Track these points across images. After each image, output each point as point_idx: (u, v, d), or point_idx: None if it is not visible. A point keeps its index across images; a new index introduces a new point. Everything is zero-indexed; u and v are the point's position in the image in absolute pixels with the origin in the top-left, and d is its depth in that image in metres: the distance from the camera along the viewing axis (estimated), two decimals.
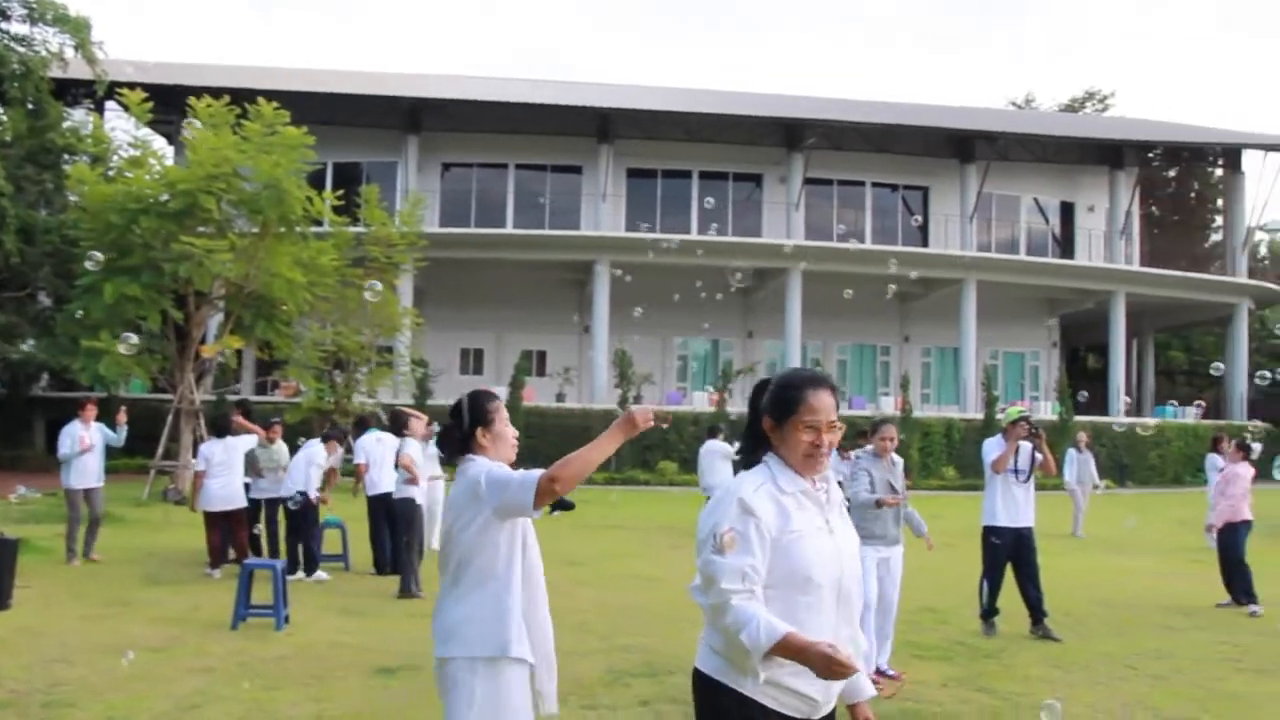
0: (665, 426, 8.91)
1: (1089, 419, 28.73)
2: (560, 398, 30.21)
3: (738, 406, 29.62)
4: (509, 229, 32.99)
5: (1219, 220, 42.70)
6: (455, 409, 3.67)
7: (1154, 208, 44.89)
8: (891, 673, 6.83)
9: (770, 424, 2.76)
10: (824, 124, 33.30)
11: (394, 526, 10.89)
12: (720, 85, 58.74)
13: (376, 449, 11.47)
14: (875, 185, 36.46)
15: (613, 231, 32.30)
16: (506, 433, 3.64)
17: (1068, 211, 37.97)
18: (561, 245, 30.97)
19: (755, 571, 2.54)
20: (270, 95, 20.73)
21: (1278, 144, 35.57)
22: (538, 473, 3.32)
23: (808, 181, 34.06)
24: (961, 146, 35.15)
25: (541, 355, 33.60)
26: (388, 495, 10.97)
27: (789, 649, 2.45)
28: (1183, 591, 10.98)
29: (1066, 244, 37.68)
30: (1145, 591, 11.02)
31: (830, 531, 2.70)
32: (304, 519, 10.79)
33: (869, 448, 7.22)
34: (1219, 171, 40.15)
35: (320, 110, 28.30)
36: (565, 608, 9.25)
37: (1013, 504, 8.36)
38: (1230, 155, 37.86)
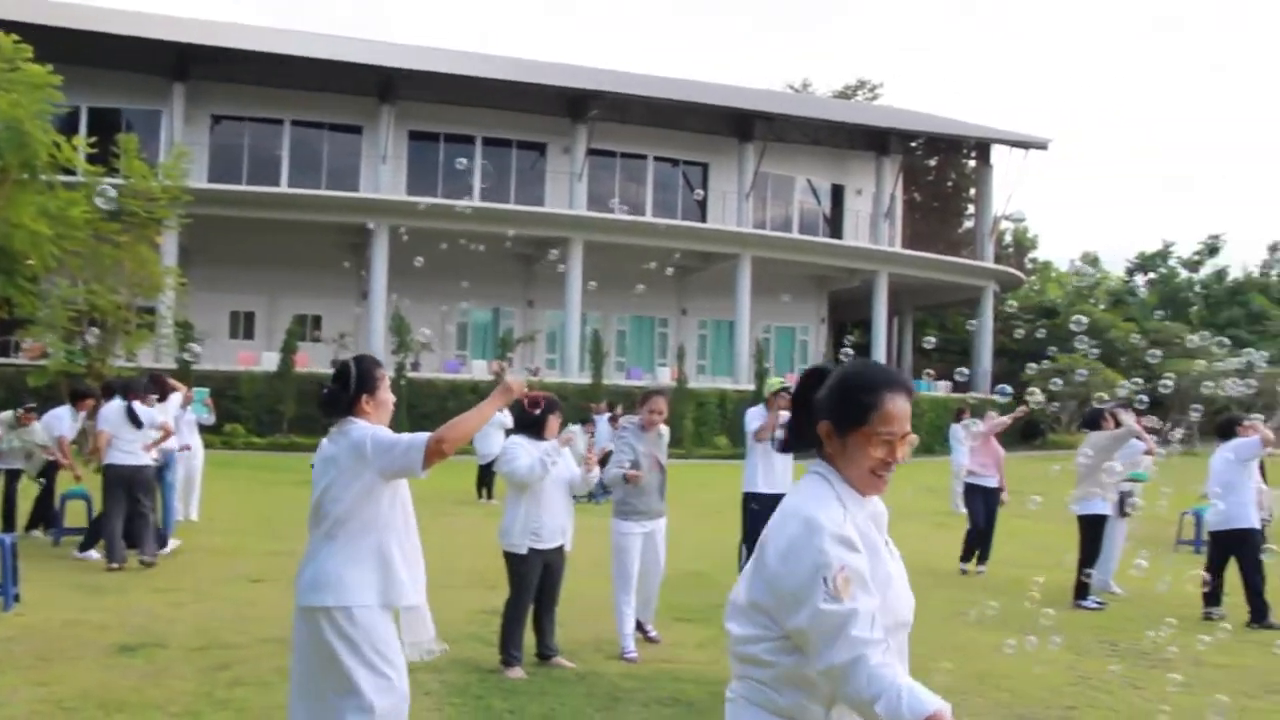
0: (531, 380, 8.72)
1: None
2: (335, 364, 29.34)
3: (517, 374, 29.61)
4: (283, 188, 31.59)
5: (972, 209, 45.72)
6: (341, 373, 3.84)
7: (916, 194, 47.63)
8: (653, 634, 7.02)
9: (828, 429, 2.26)
10: (609, 96, 33.52)
11: (131, 496, 10.20)
12: (508, 51, 58.22)
13: (118, 416, 10.72)
14: (657, 159, 37.08)
15: (393, 195, 31.51)
16: (388, 400, 3.85)
17: (838, 193, 39.80)
18: (339, 207, 29.99)
19: (879, 615, 2.08)
20: (10, 27, 19.02)
21: (1023, 141, 38.45)
22: (425, 435, 3.53)
23: (591, 152, 34.25)
24: (741, 126, 36.18)
25: (316, 320, 32.53)
26: (130, 464, 10.27)
27: None
28: (929, 553, 11.76)
29: (836, 225, 39.51)
30: None
31: (895, 558, 2.32)
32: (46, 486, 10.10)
33: (635, 419, 7.21)
34: (972, 163, 42.99)
35: (74, 49, 26.16)
36: None
37: (772, 472, 8.71)
38: (982, 149, 40.59)
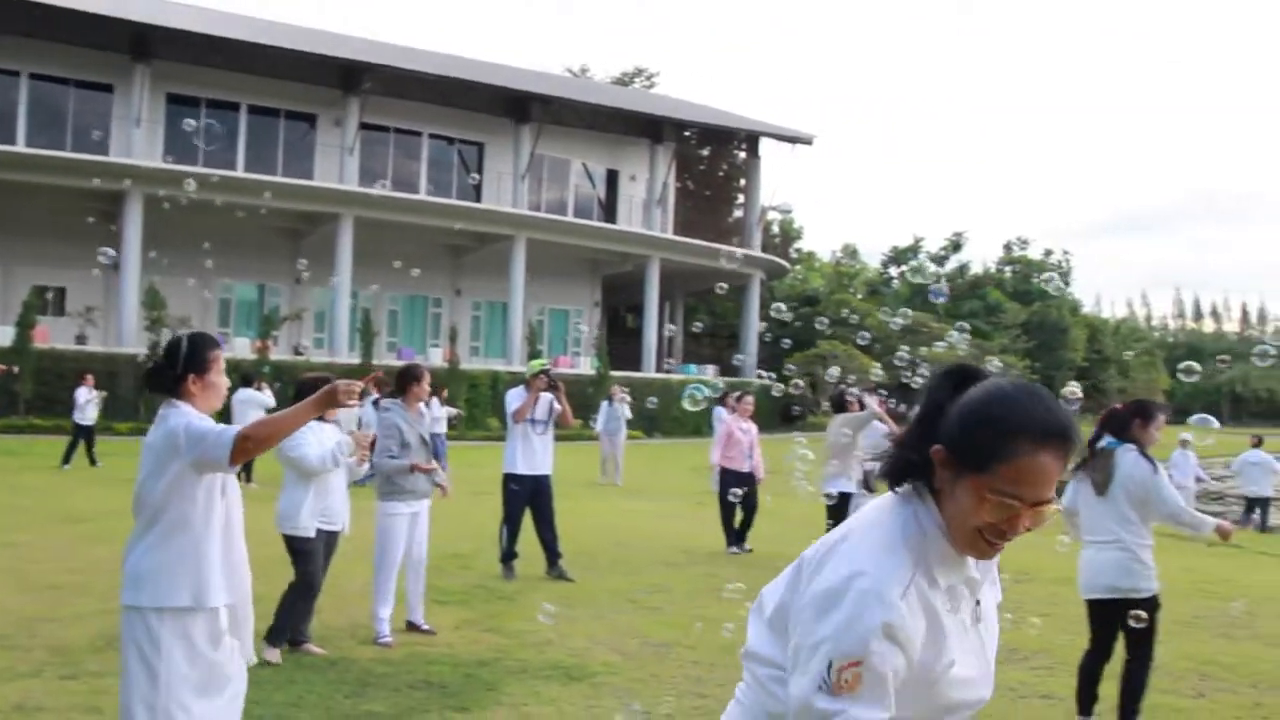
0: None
1: (625, 374, 30.86)
2: (81, 339, 27.35)
3: (282, 353, 28.51)
4: (20, 147, 29.06)
5: (742, 199, 47.29)
6: (171, 348, 3.53)
7: (689, 182, 48.83)
8: (426, 628, 6.87)
9: (944, 456, 1.72)
10: (383, 70, 32.64)
11: None
12: (279, 16, 55.67)
13: None
14: (433, 137, 36.45)
15: (147, 161, 29.55)
16: (220, 383, 3.61)
17: (613, 179, 40.31)
18: (86, 170, 27.74)
19: None
20: None
21: (790, 136, 40.10)
22: (235, 430, 3.33)
23: (364, 127, 33.27)
24: (518, 107, 36.03)
25: (60, 292, 30.14)
26: None
27: None
28: (687, 532, 12.14)
29: (610, 209, 40.00)
30: (656, 532, 12.07)
31: (978, 620, 1.82)
32: None
33: (401, 399, 6.99)
34: (742, 155, 44.46)
35: None
36: (63, 568, 8.46)
37: (531, 453, 8.78)
38: (752, 142, 42.06)
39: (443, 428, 19.35)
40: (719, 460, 11.35)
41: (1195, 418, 3.94)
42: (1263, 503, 17.09)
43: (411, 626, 6.81)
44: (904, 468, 1.78)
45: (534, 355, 29.89)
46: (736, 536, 11.06)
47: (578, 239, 35.06)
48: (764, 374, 10.47)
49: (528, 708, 5.30)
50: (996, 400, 1.70)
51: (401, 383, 6.89)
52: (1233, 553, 12.55)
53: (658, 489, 17.33)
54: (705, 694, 5.64)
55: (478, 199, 35.73)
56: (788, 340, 36.88)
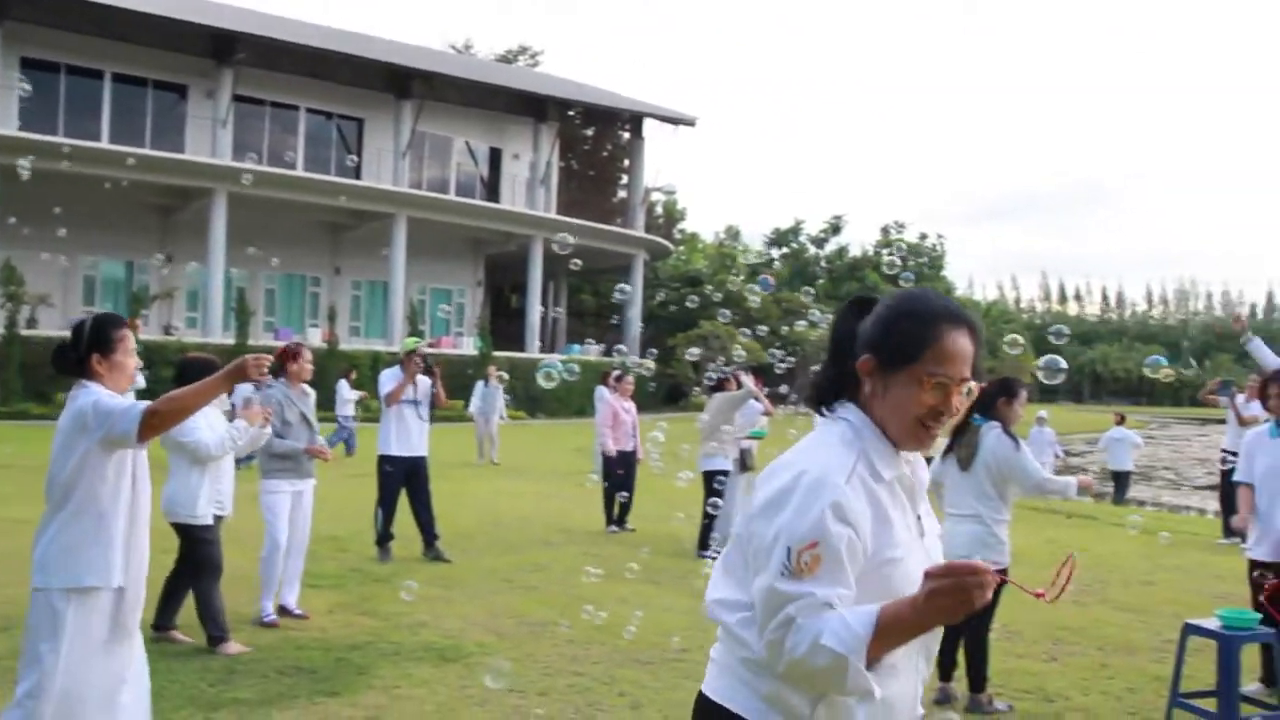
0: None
1: (509, 354, 30.70)
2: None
3: (152, 333, 27.51)
4: None
5: (626, 179, 47.35)
6: (75, 329, 3.55)
7: (573, 161, 48.67)
8: (299, 612, 6.76)
9: (871, 365, 1.86)
10: (257, 40, 31.61)
11: None
12: None
13: None
14: (310, 111, 35.51)
15: (3, 129, 28.07)
16: (128, 364, 3.61)
17: (496, 157, 39.90)
18: None
19: (842, 604, 1.73)
20: None
21: (673, 117, 40.30)
22: (143, 405, 3.34)
23: (238, 99, 32.21)
24: (398, 82, 35.33)
25: None
26: None
27: (894, 626, 1.70)
28: (566, 511, 12.18)
29: (493, 188, 39.61)
30: (536, 512, 12.08)
31: (922, 534, 1.95)
32: None
33: (282, 378, 6.87)
34: (626, 135, 44.49)
35: None
36: None
37: (406, 434, 8.70)
38: (636, 122, 42.11)
39: (351, 410, 19.03)
40: (608, 439, 11.38)
41: (1044, 359, 4.14)
42: (1123, 476, 17.96)
43: (284, 611, 6.70)
44: (826, 392, 1.95)
45: (414, 334, 29.50)
46: (618, 517, 11.16)
47: (460, 218, 34.65)
48: (618, 351, 10.52)
49: (399, 690, 5.27)
50: (908, 299, 1.90)
51: (281, 361, 6.80)
52: (1089, 524, 13.19)
53: (539, 469, 17.32)
54: (580, 672, 5.69)
55: (357, 176, 34.98)
56: (669, 321, 37.18)
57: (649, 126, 41.76)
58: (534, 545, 9.81)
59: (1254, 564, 5.51)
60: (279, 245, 31.76)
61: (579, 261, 14.83)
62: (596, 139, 50.22)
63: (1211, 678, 5.16)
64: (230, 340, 27.13)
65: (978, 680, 5.37)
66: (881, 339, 1.86)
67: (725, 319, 13.69)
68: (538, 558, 9.11)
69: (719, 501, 9.46)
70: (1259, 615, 5.08)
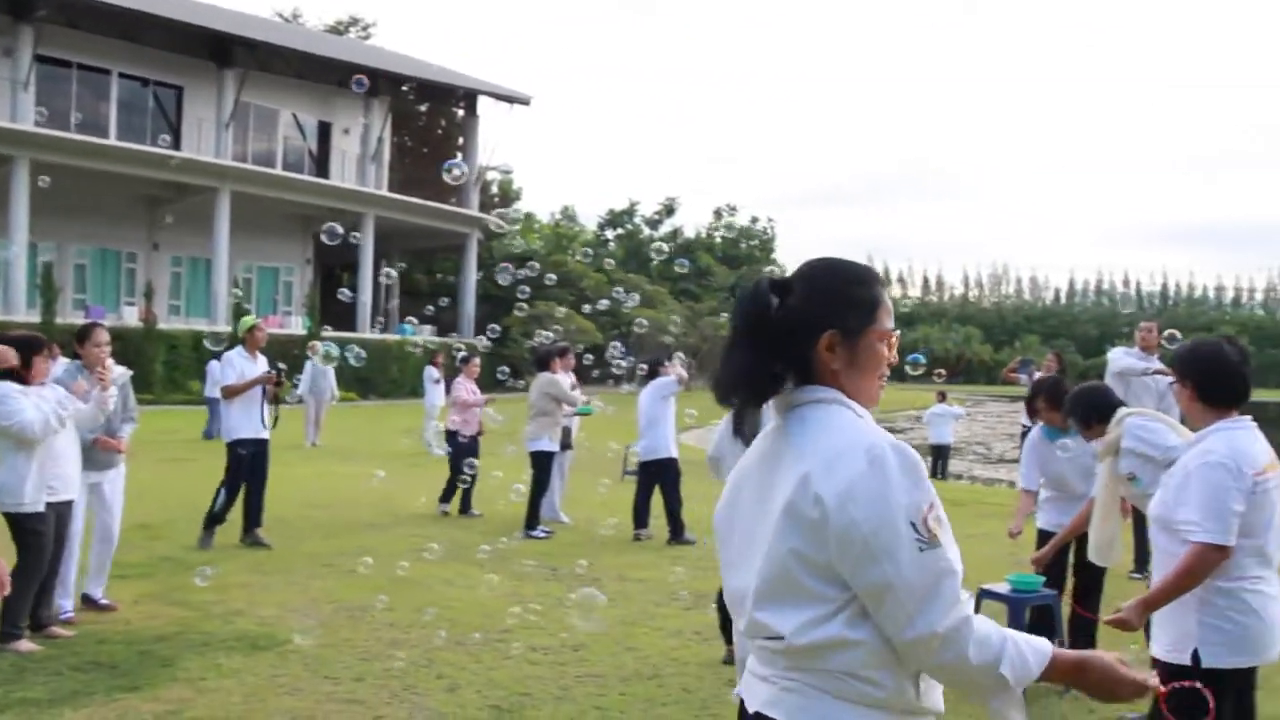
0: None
1: (340, 334, 29.89)
2: None
3: None
4: None
5: (461, 157, 46.71)
6: None
7: (406, 138, 47.68)
8: (105, 602, 6.42)
9: (835, 339, 1.86)
10: None
11: None
12: None
13: None
14: (124, 76, 33.54)
15: None
16: None
17: (325, 131, 38.69)
18: None
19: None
20: None
21: (508, 95, 39.93)
22: None
23: (41, 60, 30.16)
24: (220, 49, 33.77)
25: None
26: None
27: (1052, 673, 1.77)
28: (394, 493, 11.98)
29: (322, 163, 38.43)
30: (362, 494, 11.83)
31: None
32: None
33: (77, 361, 6.43)
34: (460, 113, 43.84)
35: None
36: None
37: (254, 417, 8.70)
38: (470, 100, 41.53)
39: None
40: (459, 423, 11.05)
41: (910, 355, 4.38)
42: (944, 449, 18.89)
43: (89, 602, 6.38)
44: (763, 381, 1.88)
45: (239, 315, 28.39)
46: (463, 504, 10.95)
47: (287, 193, 33.46)
48: (491, 332, 10.36)
49: (205, 681, 5.09)
50: (842, 267, 1.94)
51: (78, 342, 6.36)
52: None
53: (368, 451, 16.99)
54: (398, 655, 5.62)
55: (177, 147, 33.34)
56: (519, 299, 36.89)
57: (484, 104, 41.28)
58: (358, 529, 9.64)
59: (1042, 533, 5.86)
60: (90, 218, 30.06)
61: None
62: (430, 116, 49.33)
63: None
64: (35, 318, 25.52)
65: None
66: (837, 310, 1.88)
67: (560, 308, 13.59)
68: (362, 541, 8.94)
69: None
70: (1043, 578, 5.43)
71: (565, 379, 10.19)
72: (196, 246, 32.92)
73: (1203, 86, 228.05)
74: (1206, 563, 3.18)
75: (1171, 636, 3.32)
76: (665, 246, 53.72)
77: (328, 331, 29.96)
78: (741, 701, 1.95)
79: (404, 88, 41.09)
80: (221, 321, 30.57)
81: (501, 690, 5.13)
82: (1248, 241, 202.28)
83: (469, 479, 10.11)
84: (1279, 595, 3.29)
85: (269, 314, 33.19)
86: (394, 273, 35.27)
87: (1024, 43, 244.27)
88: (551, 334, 11.45)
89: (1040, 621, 5.62)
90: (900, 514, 1.70)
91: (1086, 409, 4.80)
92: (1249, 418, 3.41)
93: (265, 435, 8.70)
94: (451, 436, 10.97)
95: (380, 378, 32.36)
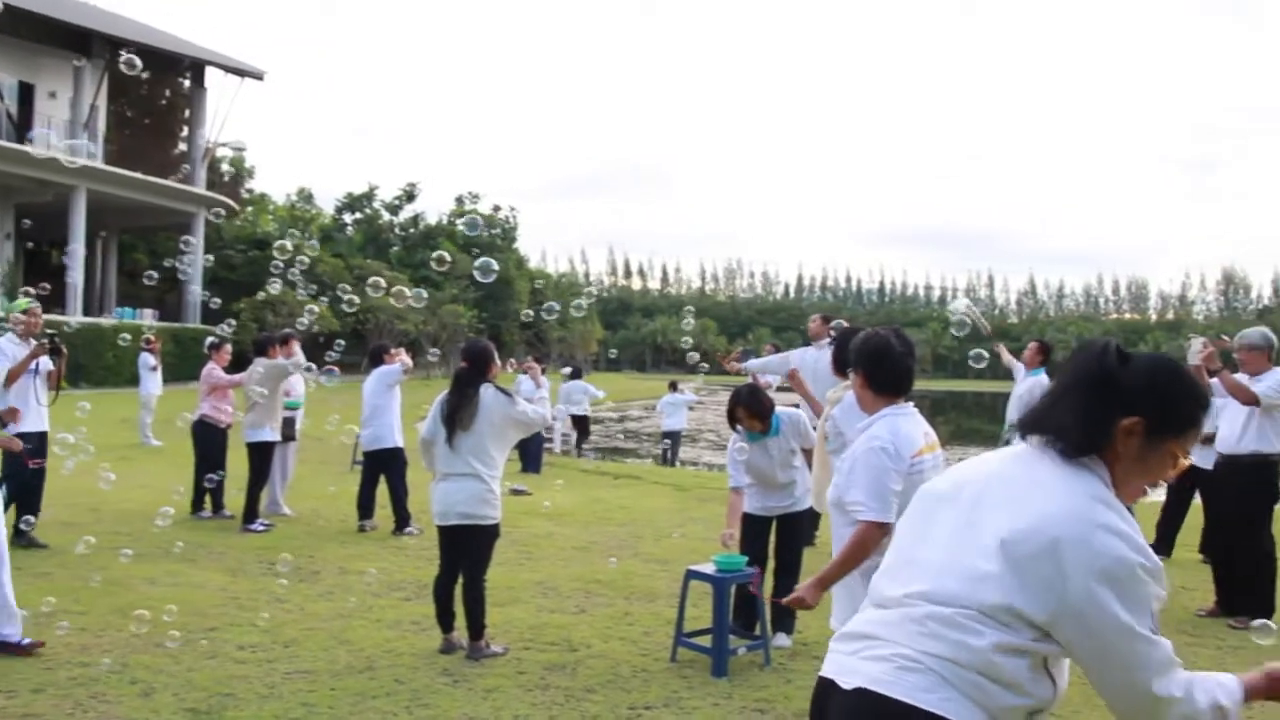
0: None
1: (51, 317, 27.41)
2: None
3: None
4: None
5: (186, 131, 43.92)
6: None
7: (126, 107, 44.36)
8: None
9: (1140, 428, 1.89)
10: None
11: None
12: None
13: None
14: None
15: None
16: None
17: (27, 94, 35.38)
18: None
19: None
20: None
21: (239, 68, 37.90)
22: None
23: None
24: None
25: None
26: None
27: (1253, 694, 1.97)
28: (97, 489, 11.12)
29: (24, 129, 35.15)
30: (64, 491, 10.93)
31: None
32: None
33: None
34: (187, 83, 41.27)
35: None
36: None
37: (39, 408, 8.16)
38: (197, 70, 39.15)
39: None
40: (210, 410, 10.14)
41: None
42: (675, 435, 19.56)
43: None
44: (1092, 439, 1.91)
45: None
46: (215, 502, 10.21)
47: None
48: (228, 324, 9.70)
49: None
50: (1187, 378, 1.97)
51: None
52: (634, 484, 14.16)
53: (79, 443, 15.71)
54: (88, 662, 5.25)
55: None
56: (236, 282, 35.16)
57: (212, 76, 39.01)
58: (53, 527, 8.90)
59: (747, 516, 6.16)
60: None
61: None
62: (153, 85, 46.07)
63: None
64: None
65: (477, 628, 5.63)
66: (1160, 409, 1.91)
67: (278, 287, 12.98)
68: (57, 540, 8.28)
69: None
70: (745, 558, 5.73)
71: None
72: None
73: (921, 105, 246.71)
74: (871, 539, 3.43)
75: (847, 610, 3.54)
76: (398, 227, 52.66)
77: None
78: (828, 682, 2.00)
79: (122, 52, 38.24)
80: None
81: (201, 692, 4.90)
82: (954, 245, 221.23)
83: (215, 480, 9.38)
84: None
85: None
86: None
87: (764, 48, 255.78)
88: (307, 321, 11.08)
89: (743, 599, 5.94)
90: (1146, 605, 1.84)
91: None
92: (911, 404, 3.70)
93: (46, 428, 8.16)
94: (202, 425, 9.91)
95: (95, 363, 30.05)
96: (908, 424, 3.61)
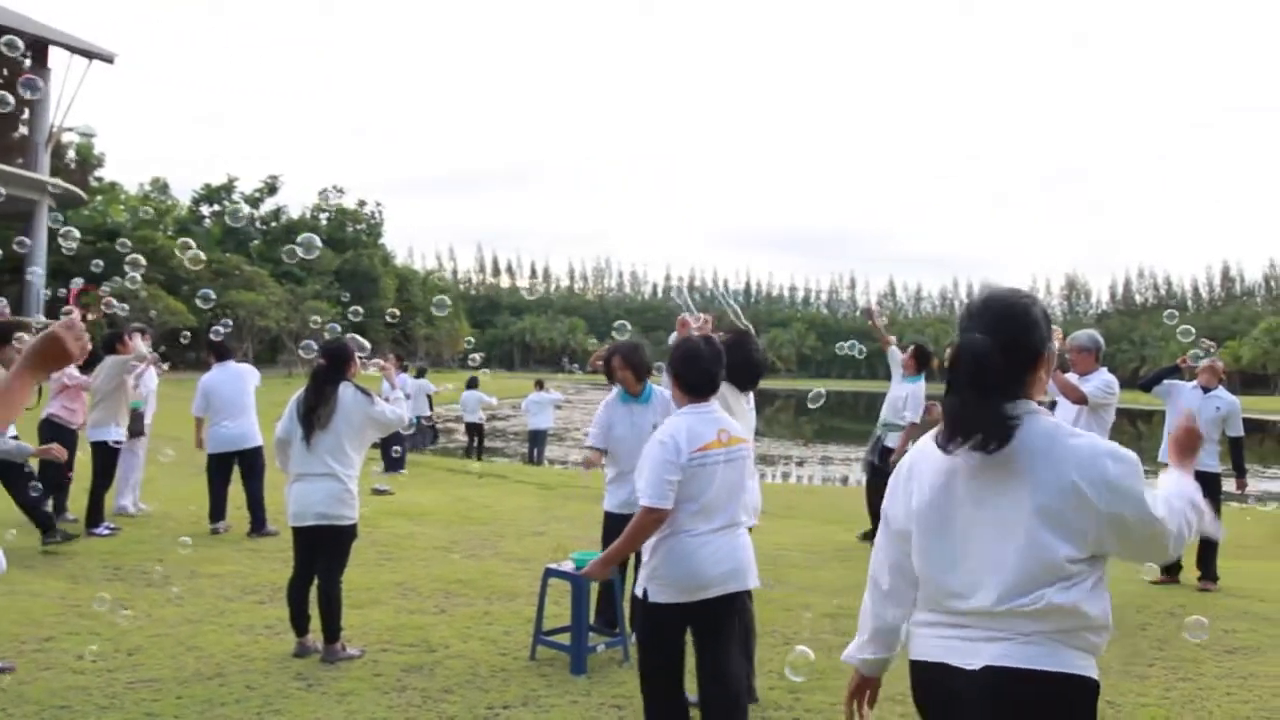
0: None
1: None
2: None
3: None
4: None
5: (27, 113, 41.63)
6: None
7: None
8: None
9: (1049, 356, 2.38)
10: None
11: None
12: None
13: None
14: None
15: None
16: None
17: None
18: None
19: None
20: None
21: (86, 50, 36.19)
22: None
23: None
24: None
25: None
26: None
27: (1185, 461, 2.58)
28: None
29: None
30: None
31: None
32: None
33: None
34: (28, 63, 39.16)
35: None
36: None
37: None
38: (39, 49, 37.22)
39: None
40: (61, 410, 9.44)
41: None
42: (540, 435, 19.57)
43: None
44: (1008, 420, 2.20)
45: None
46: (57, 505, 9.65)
47: None
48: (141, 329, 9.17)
49: None
50: (1036, 303, 2.35)
51: None
52: (499, 483, 14.09)
53: None
54: None
55: None
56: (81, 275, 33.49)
57: (57, 56, 37.12)
58: None
59: (608, 515, 6.19)
60: None
61: None
62: None
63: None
64: None
65: (333, 631, 5.53)
66: (1046, 336, 2.34)
67: (136, 281, 12.34)
68: None
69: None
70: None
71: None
72: None
73: (786, 110, 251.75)
74: (650, 521, 3.83)
75: (640, 577, 3.99)
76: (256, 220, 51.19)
77: None
78: (942, 665, 2.27)
79: None
80: None
81: (33, 705, 4.67)
82: (816, 248, 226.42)
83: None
84: (716, 544, 3.91)
85: None
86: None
87: (631, 50, 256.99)
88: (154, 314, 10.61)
89: (605, 597, 5.98)
90: (1144, 485, 2.29)
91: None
92: (712, 403, 4.06)
93: None
94: (50, 425, 9.06)
95: None
96: (700, 422, 3.95)
